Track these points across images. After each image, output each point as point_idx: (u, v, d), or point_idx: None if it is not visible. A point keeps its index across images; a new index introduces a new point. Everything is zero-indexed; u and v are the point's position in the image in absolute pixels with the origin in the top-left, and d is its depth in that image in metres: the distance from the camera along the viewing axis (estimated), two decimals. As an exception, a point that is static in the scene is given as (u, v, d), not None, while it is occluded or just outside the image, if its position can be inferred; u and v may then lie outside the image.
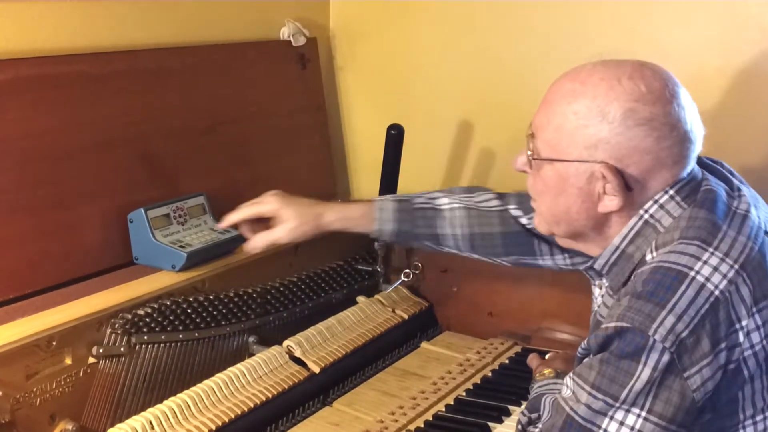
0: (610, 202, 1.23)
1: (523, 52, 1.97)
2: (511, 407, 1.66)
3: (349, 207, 1.65)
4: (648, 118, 1.18)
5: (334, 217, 1.61)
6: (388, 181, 1.93)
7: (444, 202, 1.63)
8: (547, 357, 1.67)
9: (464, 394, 1.71)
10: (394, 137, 1.88)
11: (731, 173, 1.34)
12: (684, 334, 1.11)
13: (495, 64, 2.02)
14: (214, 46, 1.95)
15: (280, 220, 1.60)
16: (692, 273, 1.14)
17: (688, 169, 1.24)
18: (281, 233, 1.60)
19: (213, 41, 1.95)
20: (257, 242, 1.62)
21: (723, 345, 1.12)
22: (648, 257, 1.21)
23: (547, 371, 1.52)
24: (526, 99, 1.95)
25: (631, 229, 1.25)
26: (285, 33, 2.10)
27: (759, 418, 1.18)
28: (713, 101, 1.75)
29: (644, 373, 1.11)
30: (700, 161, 1.31)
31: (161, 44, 1.83)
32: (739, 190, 1.28)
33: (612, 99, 1.19)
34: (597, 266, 1.32)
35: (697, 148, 1.23)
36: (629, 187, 1.22)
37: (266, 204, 1.61)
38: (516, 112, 1.99)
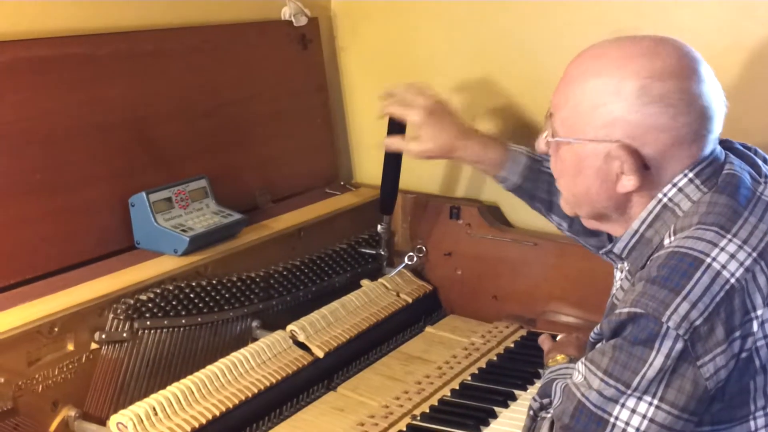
0: (628, 182, 1.21)
1: (529, 33, 1.94)
2: (516, 392, 1.64)
3: (485, 150, 1.64)
4: (663, 95, 1.16)
5: (468, 156, 1.65)
6: (392, 164, 1.91)
7: None
8: (558, 339, 1.65)
9: (469, 378, 1.71)
10: (398, 119, 1.86)
11: (765, 160, 1.31)
12: (698, 322, 1.09)
13: (500, 44, 2.00)
14: (214, 27, 1.92)
15: (418, 136, 1.65)
16: (708, 260, 1.12)
17: (708, 149, 1.21)
18: (413, 150, 1.67)
19: (213, 22, 1.92)
20: (390, 144, 1.73)
21: (737, 334, 1.10)
22: (666, 241, 1.19)
23: (560, 357, 1.50)
24: (531, 81, 1.94)
25: (650, 212, 1.23)
26: (286, 13, 2.07)
27: None
28: (723, 82, 1.73)
29: (657, 361, 1.10)
30: (730, 145, 1.29)
31: (160, 25, 1.80)
32: (767, 176, 1.25)
33: (626, 76, 1.17)
34: (617, 250, 1.30)
35: (717, 128, 1.20)
36: (647, 166, 1.20)
37: (413, 114, 1.65)
38: (521, 94, 1.98)
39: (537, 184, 1.63)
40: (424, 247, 2.03)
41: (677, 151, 1.19)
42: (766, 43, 1.68)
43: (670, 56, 1.18)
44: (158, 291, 1.53)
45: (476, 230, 1.99)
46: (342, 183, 2.16)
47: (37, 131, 1.53)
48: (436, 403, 1.61)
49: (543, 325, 1.89)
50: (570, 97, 1.23)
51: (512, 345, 1.84)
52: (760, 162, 1.29)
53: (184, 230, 1.62)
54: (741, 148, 1.31)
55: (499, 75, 2.01)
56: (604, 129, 1.20)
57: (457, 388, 1.67)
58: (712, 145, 1.22)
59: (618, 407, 1.13)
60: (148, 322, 1.51)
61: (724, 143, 1.30)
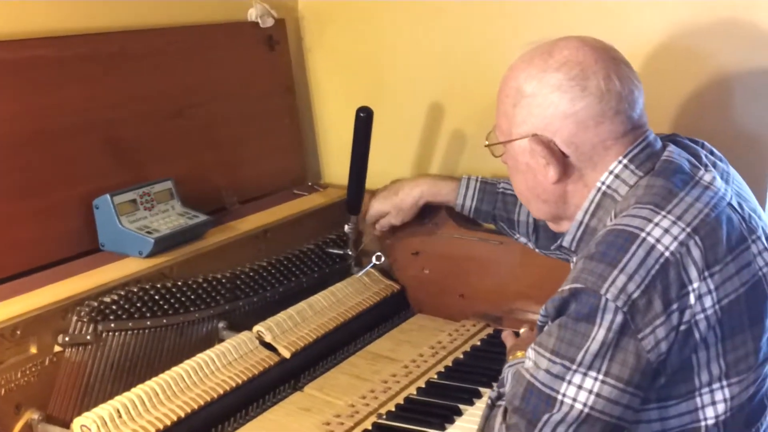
0: (551, 171, 1.29)
1: (493, 34, 1.96)
2: (482, 389, 1.66)
3: (436, 183, 1.88)
4: (558, 85, 1.25)
5: (424, 197, 1.89)
6: (358, 164, 1.92)
7: None
8: (521, 333, 1.68)
9: (435, 376, 1.72)
10: (364, 120, 1.87)
11: (711, 152, 1.37)
12: (635, 295, 1.13)
13: (465, 45, 2.01)
14: (180, 28, 1.92)
15: (388, 213, 1.94)
16: (643, 234, 1.16)
17: (635, 135, 1.28)
18: (390, 221, 1.95)
19: (178, 23, 1.92)
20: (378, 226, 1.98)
21: (675, 306, 1.14)
22: (608, 224, 1.23)
23: (520, 353, 1.52)
24: (496, 81, 1.95)
25: (591, 202, 1.29)
26: (252, 14, 2.07)
27: (716, 386, 1.20)
28: (680, 82, 1.75)
29: (599, 335, 1.13)
30: (676, 139, 1.34)
31: (125, 27, 1.80)
32: (708, 165, 1.29)
33: (527, 76, 1.29)
34: (566, 243, 1.35)
35: (626, 108, 1.26)
36: (564, 154, 1.28)
37: (375, 214, 1.95)
38: (486, 95, 1.98)
39: (494, 205, 1.78)
40: (391, 247, 2.03)
41: (589, 135, 1.26)
42: (724, 42, 1.70)
43: (564, 50, 1.27)
44: (122, 293, 1.52)
45: (444, 230, 2.00)
46: (310, 183, 2.16)
47: (0, 134, 1.52)
48: (402, 402, 1.62)
49: (510, 323, 1.91)
50: (498, 106, 1.36)
51: (479, 343, 1.85)
52: (703, 153, 1.33)
53: (149, 232, 1.62)
54: (687, 141, 1.35)
55: (464, 75, 2.03)
56: (521, 126, 1.30)
57: (423, 386, 1.68)
58: (638, 131, 1.28)
59: (565, 384, 1.16)
60: (113, 325, 1.51)
61: (671, 137, 1.35)
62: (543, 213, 1.39)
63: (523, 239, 1.77)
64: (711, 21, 1.70)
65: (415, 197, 1.88)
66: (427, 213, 2.00)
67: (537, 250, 1.76)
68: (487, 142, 1.41)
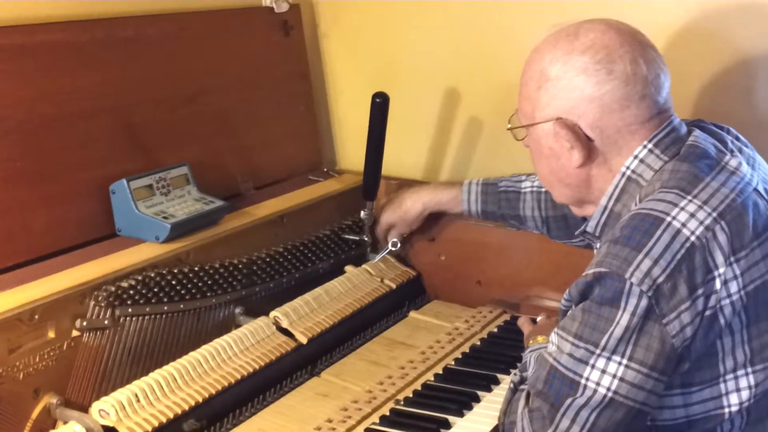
0: (576, 155, 1.28)
1: (508, 19, 1.94)
2: (500, 375, 1.65)
3: (436, 192, 1.89)
4: (583, 68, 1.24)
5: (428, 209, 1.90)
6: (375, 150, 1.91)
7: (527, 185, 1.74)
8: (538, 321, 1.67)
9: (453, 363, 1.71)
10: (380, 105, 1.86)
11: (737, 138, 1.36)
12: (660, 279, 1.12)
13: (481, 31, 2.00)
14: (195, 13, 1.91)
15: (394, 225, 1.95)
16: (668, 218, 1.15)
17: (660, 119, 1.26)
18: (398, 231, 1.97)
19: (193, 9, 1.91)
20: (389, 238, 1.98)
21: (700, 291, 1.13)
22: (633, 209, 1.22)
23: (540, 338, 1.52)
24: (512, 66, 1.93)
25: (616, 186, 1.28)
26: (267, 0, 2.07)
27: (741, 372, 1.19)
28: (701, 66, 1.74)
29: (624, 319, 1.12)
30: (702, 125, 1.33)
31: (140, 12, 1.79)
32: (734, 151, 1.28)
33: (552, 59, 1.27)
34: (590, 229, 1.34)
35: (652, 92, 1.25)
36: (589, 138, 1.27)
37: (385, 226, 1.97)
38: (502, 80, 1.97)
39: (499, 204, 1.78)
40: (407, 233, 2.03)
41: (614, 119, 1.25)
42: (716, 21, 1.68)
43: (590, 32, 1.26)
44: (140, 278, 1.52)
45: (460, 216, 1.99)
46: (325, 169, 2.16)
47: (16, 119, 1.52)
48: (420, 388, 1.62)
49: (526, 310, 1.90)
50: (521, 89, 1.34)
51: (495, 329, 1.84)
52: (729, 138, 1.32)
53: (165, 217, 1.61)
54: (713, 126, 1.34)
55: (480, 61, 2.01)
56: (545, 109, 1.29)
57: (441, 372, 1.67)
58: (663, 115, 1.26)
59: (588, 368, 1.15)
60: (130, 310, 1.50)
61: (697, 123, 1.33)
62: (566, 197, 1.38)
63: (535, 231, 1.77)
64: (732, 4, 1.68)
65: (418, 210, 1.90)
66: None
67: (554, 239, 1.75)
68: (509, 125, 1.40)
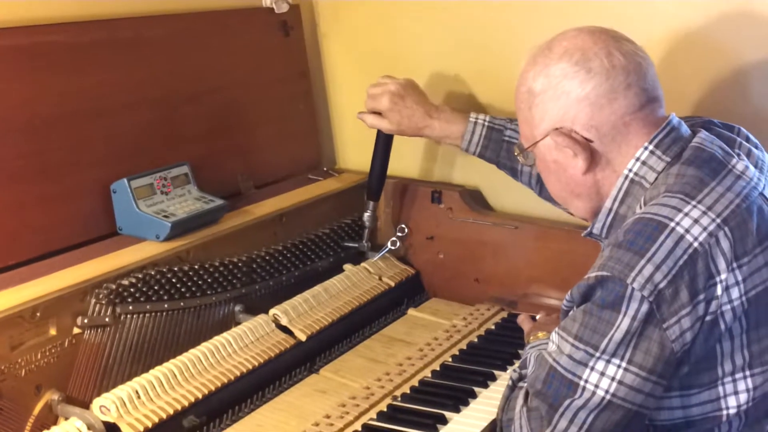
0: (580, 161, 1.28)
1: (509, 20, 1.95)
2: (496, 372, 1.66)
3: (449, 126, 1.80)
4: (562, 74, 1.26)
5: (433, 134, 1.82)
6: (383, 150, 1.93)
7: None
8: (538, 318, 1.68)
9: (450, 360, 1.72)
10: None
11: (747, 138, 1.36)
12: (662, 285, 1.12)
13: (482, 29, 2.00)
14: (195, 14, 1.92)
15: (386, 119, 1.83)
16: (672, 224, 1.15)
17: (651, 108, 1.27)
18: (383, 127, 1.86)
19: (193, 9, 1.92)
20: (366, 118, 1.87)
21: (701, 297, 1.13)
22: (637, 212, 1.22)
23: (541, 334, 1.53)
24: (513, 65, 1.94)
25: (619, 189, 1.28)
26: (267, 0, 2.08)
27: (739, 376, 1.19)
28: (699, 70, 1.74)
29: (624, 323, 1.13)
30: (710, 125, 1.34)
31: (141, 13, 1.81)
32: (740, 154, 1.28)
33: (534, 75, 1.30)
34: (596, 231, 1.34)
35: (639, 83, 1.26)
36: (588, 140, 1.28)
37: (380, 104, 1.83)
38: (503, 81, 1.98)
39: (498, 153, 1.76)
40: (405, 227, 2.04)
41: (606, 113, 1.25)
42: (705, 30, 1.70)
43: (563, 41, 1.28)
44: (140, 276, 1.54)
45: (458, 214, 2.01)
46: (325, 169, 2.17)
47: (19, 119, 1.54)
48: (417, 384, 1.63)
49: (524, 307, 1.91)
50: (517, 116, 1.37)
51: (493, 327, 1.86)
52: (740, 139, 1.32)
53: (165, 216, 1.63)
54: (722, 127, 1.34)
55: (480, 61, 2.02)
56: (541, 125, 1.30)
57: (438, 369, 1.69)
58: (651, 101, 1.27)
59: (588, 370, 1.16)
60: (131, 307, 1.52)
61: (705, 123, 1.33)
62: (582, 210, 1.38)
63: (526, 186, 1.77)
64: (729, 9, 1.69)
65: (424, 124, 1.80)
66: (441, 198, 2.01)
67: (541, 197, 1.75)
68: (516, 152, 1.42)
